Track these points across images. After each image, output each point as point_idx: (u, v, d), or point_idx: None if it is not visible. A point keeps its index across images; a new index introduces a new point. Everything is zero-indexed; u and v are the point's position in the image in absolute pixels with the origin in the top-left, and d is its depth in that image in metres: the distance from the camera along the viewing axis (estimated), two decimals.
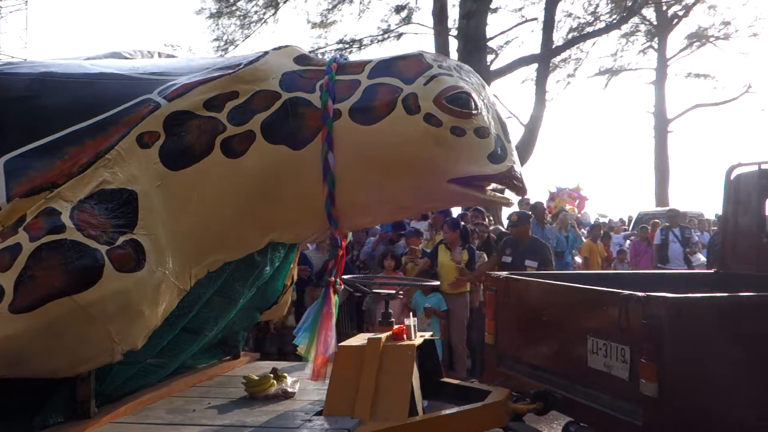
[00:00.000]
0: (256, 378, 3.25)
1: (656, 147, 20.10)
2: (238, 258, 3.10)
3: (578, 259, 10.42)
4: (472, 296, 6.82)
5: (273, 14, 13.08)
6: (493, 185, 3.06)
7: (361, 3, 12.99)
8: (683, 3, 14.34)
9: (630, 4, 10.32)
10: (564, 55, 13.09)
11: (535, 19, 11.27)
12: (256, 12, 13.02)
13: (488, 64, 11.34)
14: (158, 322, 2.75)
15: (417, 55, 3.06)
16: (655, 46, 16.06)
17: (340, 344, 3.09)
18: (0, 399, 2.80)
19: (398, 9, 12.75)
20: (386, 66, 3.01)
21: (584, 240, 10.93)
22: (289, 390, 3.21)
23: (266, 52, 3.06)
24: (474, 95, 2.93)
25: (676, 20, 15.12)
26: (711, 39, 15.99)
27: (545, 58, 10.85)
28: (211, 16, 12.63)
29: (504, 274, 3.73)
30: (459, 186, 2.94)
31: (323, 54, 13.05)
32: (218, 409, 3.05)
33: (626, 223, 13.56)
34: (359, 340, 3.22)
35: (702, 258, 9.92)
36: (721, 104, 20.14)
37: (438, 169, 2.91)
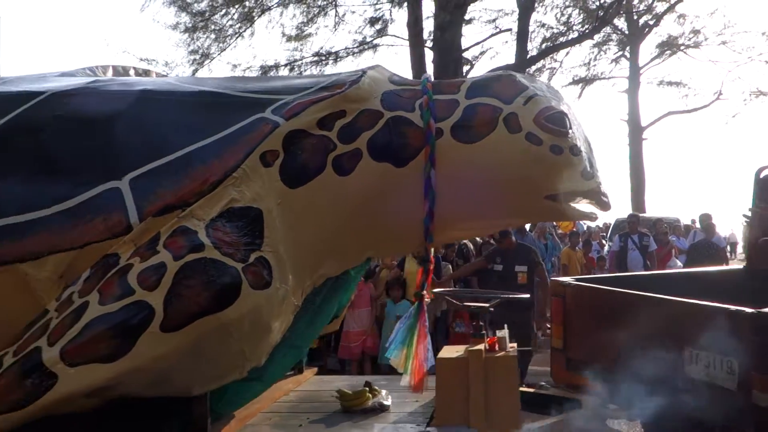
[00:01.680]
0: (351, 392, 3.29)
1: (631, 154, 20.61)
2: (339, 273, 3.15)
3: None
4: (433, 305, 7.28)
5: (248, 27, 13.02)
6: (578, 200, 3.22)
7: (336, 16, 13.08)
8: (654, 12, 14.98)
9: (602, 14, 10.74)
10: (538, 65, 13.52)
11: (509, 29, 11.61)
12: (231, 26, 12.94)
13: (464, 74, 11.59)
14: (278, 339, 2.78)
15: (510, 76, 3.20)
16: (628, 55, 16.64)
17: (439, 356, 3.17)
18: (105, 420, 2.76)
19: (372, 21, 12.89)
20: (482, 86, 3.13)
21: (563, 247, 11.31)
22: (385, 403, 3.27)
23: (365, 72, 3.13)
24: (568, 114, 3.08)
25: (647, 29, 15.73)
26: (682, 47, 16.68)
27: (520, 68, 11.14)
28: (187, 30, 12.48)
29: (569, 280, 3.90)
30: (553, 202, 3.08)
31: (300, 66, 13.08)
32: (324, 423, 3.08)
33: (604, 230, 14.05)
34: (452, 352, 3.30)
35: (679, 263, 10.35)
36: (693, 111, 20.73)
37: (536, 186, 3.05)
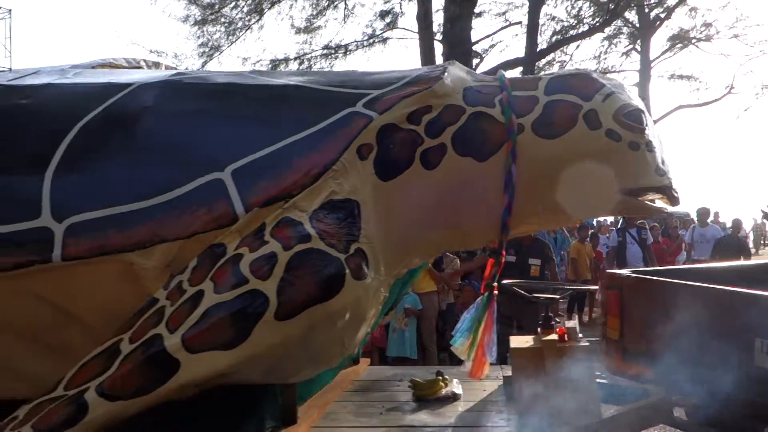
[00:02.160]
0: (424, 381, 3.36)
1: None
2: (419, 265, 3.22)
3: None
4: (439, 297, 7.57)
5: (258, 20, 12.99)
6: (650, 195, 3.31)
7: (345, 8, 13.09)
8: (665, 5, 14.90)
9: (612, 7, 10.80)
10: (548, 58, 13.55)
11: (519, 22, 11.66)
12: (240, 18, 12.90)
13: (473, 68, 11.63)
14: (369, 329, 2.84)
15: (587, 73, 3.27)
16: (638, 48, 16.38)
17: (512, 347, 3.25)
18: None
19: (383, 14, 12.91)
20: (560, 83, 3.20)
21: (572, 241, 11.46)
22: (457, 392, 3.34)
23: (446, 68, 3.19)
24: (644, 111, 3.16)
25: (658, 22, 15.61)
26: (693, 41, 16.52)
27: (530, 62, 11.23)
28: (196, 23, 12.43)
29: (626, 273, 4.00)
30: (628, 197, 3.17)
31: (309, 60, 13.07)
32: (401, 411, 3.15)
33: (614, 225, 14.21)
34: (522, 342, 3.38)
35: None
36: (704, 105, 20.65)
37: (613, 181, 3.12)
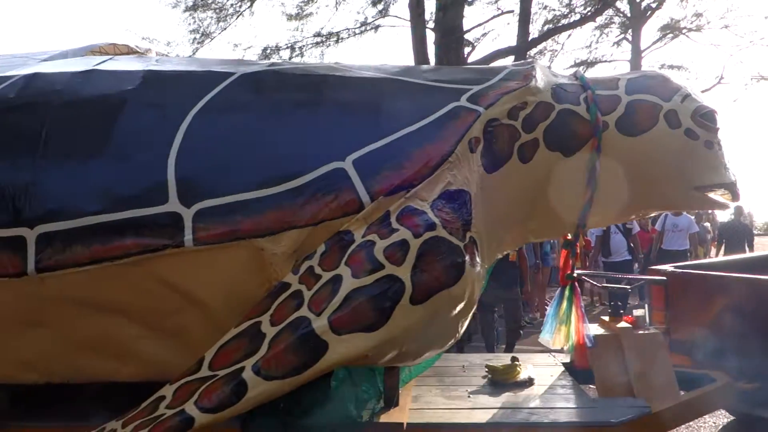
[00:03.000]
0: (502, 366, 3.51)
1: None
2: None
3: None
4: None
5: (249, 7, 12.88)
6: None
7: None
8: None
9: None
10: (540, 47, 13.67)
11: (512, 11, 11.72)
12: (232, 5, 12.76)
13: (465, 56, 11.68)
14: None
15: (663, 75, 3.45)
16: (629, 38, 16.13)
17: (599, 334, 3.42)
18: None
19: (374, 2, 12.90)
20: (639, 84, 3.37)
21: None
22: (532, 376, 3.50)
23: (533, 66, 3.32)
24: (717, 112, 3.36)
25: (649, 12, 15.47)
26: (683, 31, 16.41)
27: (521, 51, 11.27)
28: (187, 9, 12.24)
29: (670, 267, 4.21)
30: (700, 193, 3.36)
31: (301, 48, 13.03)
32: (487, 394, 3.29)
33: None
34: (593, 329, 3.55)
35: None
36: None
37: (688, 178, 3.31)
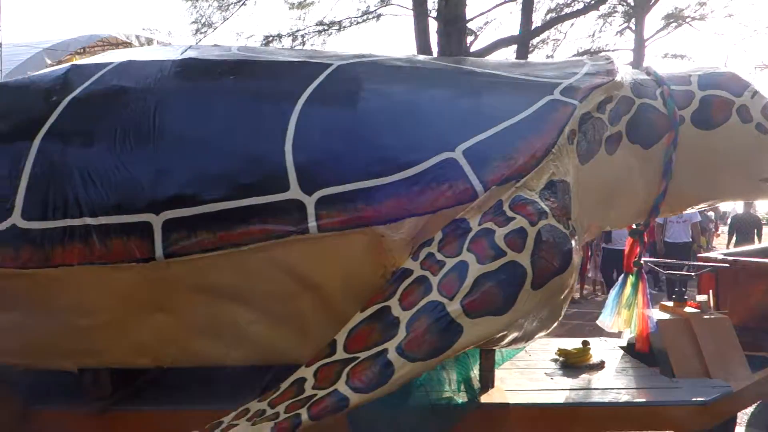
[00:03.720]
0: (575, 350, 3.65)
1: None
2: None
3: None
4: None
5: None
6: None
7: None
8: None
9: None
10: (543, 36, 13.68)
11: (514, 0, 11.75)
12: None
13: (468, 45, 11.67)
14: None
15: (731, 72, 3.61)
16: (633, 27, 15.83)
17: (659, 319, 3.58)
18: None
19: None
20: (711, 80, 3.52)
21: None
22: (602, 359, 3.65)
23: (613, 61, 3.45)
24: None
25: (652, 1, 15.12)
26: (687, 20, 16.22)
27: (524, 40, 11.25)
28: None
29: (720, 255, 4.40)
30: (766, 183, 3.54)
31: (303, 36, 13.00)
32: (567, 376, 3.42)
33: None
34: (660, 314, 3.72)
35: None
36: None
37: (757, 170, 3.48)
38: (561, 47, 14.20)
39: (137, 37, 11.81)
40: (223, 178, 2.69)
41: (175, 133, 2.80)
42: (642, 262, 3.66)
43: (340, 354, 2.46)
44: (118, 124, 2.83)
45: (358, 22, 12.28)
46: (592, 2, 11.51)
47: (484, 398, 3.00)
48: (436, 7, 11.62)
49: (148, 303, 2.73)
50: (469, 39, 11.75)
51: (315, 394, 2.31)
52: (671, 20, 15.92)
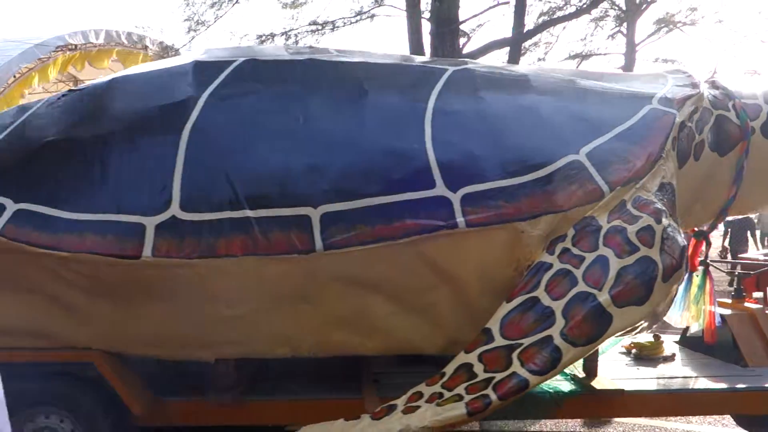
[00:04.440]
0: (648, 343, 3.91)
1: None
2: None
3: None
4: None
5: None
6: None
7: None
8: None
9: None
10: (535, 39, 13.67)
11: (507, 2, 11.72)
12: None
13: (461, 47, 11.60)
14: None
15: None
16: (624, 31, 15.78)
17: (725, 314, 3.87)
18: None
19: None
20: None
21: None
22: (674, 352, 3.92)
23: (691, 74, 3.74)
24: None
25: (644, 5, 14.97)
26: (678, 25, 16.02)
27: (517, 42, 10.97)
28: None
29: (761, 256, 4.78)
30: None
31: (296, 35, 12.98)
32: (648, 366, 3.67)
33: None
34: (724, 310, 4.01)
35: None
36: None
37: None
38: (553, 50, 14.26)
39: (130, 34, 11.58)
40: (373, 174, 2.81)
41: (322, 131, 2.91)
42: (708, 261, 3.95)
43: (499, 341, 2.62)
44: (262, 120, 2.91)
45: (351, 23, 12.33)
46: (584, 6, 11.62)
47: (596, 385, 3.19)
48: (430, 9, 11.54)
49: (294, 294, 2.82)
50: (462, 40, 11.74)
51: (493, 377, 2.46)
52: (662, 25, 15.97)
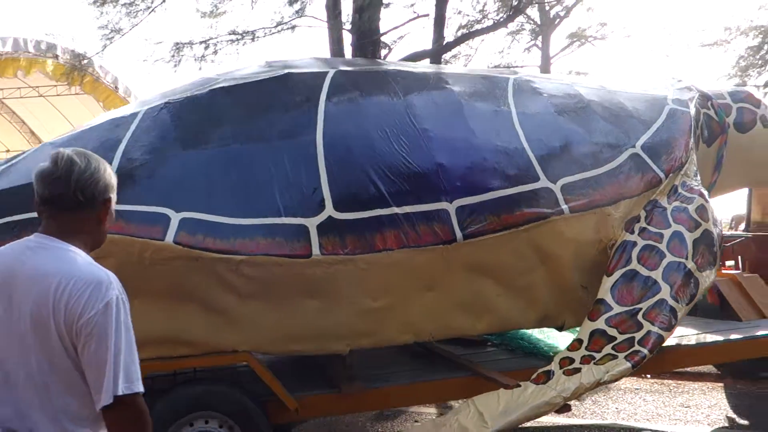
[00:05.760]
0: None
1: None
2: None
3: None
4: None
5: (162, 2, 12.28)
6: None
7: None
8: (564, 4, 14.96)
9: (515, 3, 10.77)
10: (454, 51, 14.13)
11: (427, 14, 12.02)
12: (143, 0, 12.07)
13: (382, 58, 11.90)
14: None
15: (750, 90, 4.81)
16: (539, 44, 16.47)
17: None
18: None
19: (291, 1, 12.69)
20: (737, 95, 4.64)
21: None
22: None
23: (682, 80, 4.46)
24: None
25: (557, 20, 15.76)
26: (590, 39, 16.82)
27: (437, 54, 11.16)
28: (95, 2, 11.32)
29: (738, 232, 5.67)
30: None
31: (215, 45, 12.71)
32: None
33: None
34: None
35: None
36: None
37: None
38: (472, 62, 14.84)
39: (38, 42, 10.78)
40: (492, 171, 3.18)
41: (435, 134, 3.21)
42: None
43: (617, 308, 3.08)
44: (382, 125, 3.16)
45: (272, 33, 12.27)
46: (501, 20, 12.19)
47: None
48: (351, 20, 11.57)
49: (425, 283, 3.09)
50: (384, 52, 11.98)
51: (633, 337, 2.91)
52: (575, 39, 16.99)
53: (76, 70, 11.77)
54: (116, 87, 11.96)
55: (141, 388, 1.41)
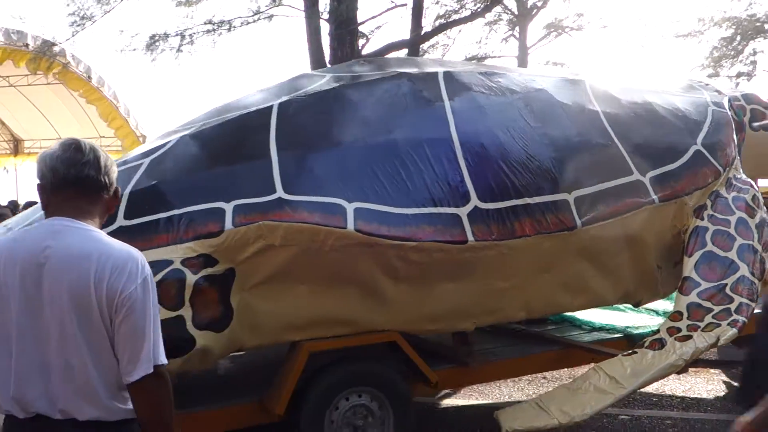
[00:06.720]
0: None
1: None
2: None
3: None
4: None
5: None
6: None
7: None
8: None
9: None
10: (432, 41, 14.03)
11: (404, 4, 11.93)
12: None
13: (359, 48, 11.22)
14: None
15: (755, 93, 5.44)
16: (517, 35, 16.40)
17: None
18: None
19: None
20: (749, 98, 5.25)
21: None
22: None
23: (709, 83, 5.02)
24: None
25: (534, 11, 15.65)
26: (566, 29, 16.71)
27: (414, 44, 11.11)
28: None
29: None
30: None
31: (191, 36, 12.45)
32: None
33: None
34: None
35: None
36: None
37: None
38: (450, 52, 14.77)
39: (7, 30, 10.28)
40: (596, 164, 3.56)
41: (548, 132, 3.56)
42: None
43: (705, 284, 3.54)
44: (503, 123, 3.48)
45: (248, 23, 12.13)
46: (479, 10, 12.19)
47: None
48: (328, 9, 11.41)
49: (544, 265, 3.45)
50: (361, 42, 11.88)
51: (728, 308, 3.38)
52: (552, 29, 17.19)
53: (45, 57, 11.31)
54: (89, 77, 11.56)
55: (166, 360, 1.52)
